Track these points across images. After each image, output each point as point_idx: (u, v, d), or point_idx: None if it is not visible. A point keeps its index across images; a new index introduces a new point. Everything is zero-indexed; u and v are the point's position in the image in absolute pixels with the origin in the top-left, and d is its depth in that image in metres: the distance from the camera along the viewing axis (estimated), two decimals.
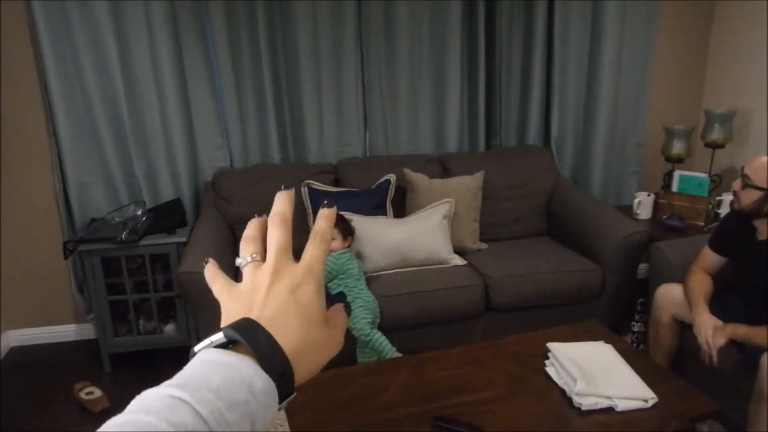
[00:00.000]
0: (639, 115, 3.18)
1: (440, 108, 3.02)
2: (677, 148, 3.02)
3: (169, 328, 2.69)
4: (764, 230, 1.92)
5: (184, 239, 2.55)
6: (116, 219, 2.65)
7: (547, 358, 1.78)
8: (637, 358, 1.78)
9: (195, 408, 0.34)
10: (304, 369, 0.41)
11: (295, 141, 2.94)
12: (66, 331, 2.97)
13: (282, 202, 0.48)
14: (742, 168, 1.96)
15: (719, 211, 2.79)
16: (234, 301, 0.44)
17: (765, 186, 1.85)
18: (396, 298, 2.37)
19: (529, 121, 3.11)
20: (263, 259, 0.45)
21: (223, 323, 0.41)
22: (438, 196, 2.69)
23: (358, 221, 2.56)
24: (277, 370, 0.39)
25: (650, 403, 1.56)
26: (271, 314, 0.41)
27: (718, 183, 3.04)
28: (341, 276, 2.32)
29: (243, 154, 2.90)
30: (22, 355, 2.86)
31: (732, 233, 2.03)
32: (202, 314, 2.25)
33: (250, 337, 0.39)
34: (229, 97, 2.80)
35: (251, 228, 0.48)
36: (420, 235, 2.56)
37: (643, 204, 2.92)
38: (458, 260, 2.62)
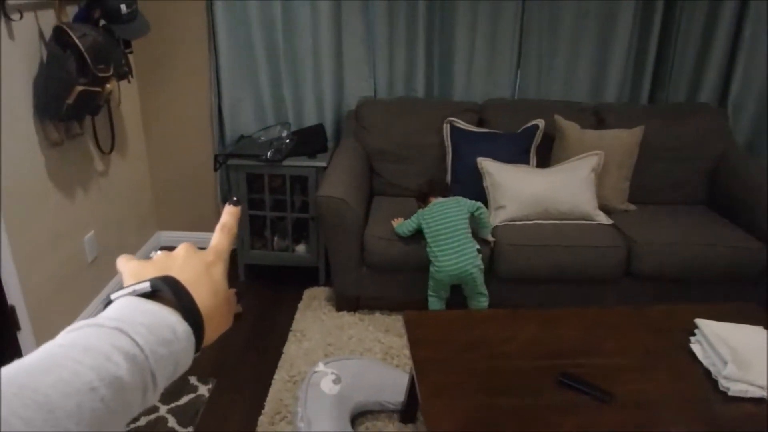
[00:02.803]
0: None
1: (604, 52, 2.85)
2: None
3: (301, 248, 2.90)
4: None
5: (324, 164, 2.70)
6: (263, 138, 2.86)
7: (693, 334, 1.71)
8: None
9: (132, 337, 0.39)
10: (207, 334, 0.46)
11: (442, 76, 2.95)
12: (208, 239, 3.27)
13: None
14: None
15: None
16: (148, 266, 0.49)
17: None
18: (531, 249, 2.37)
19: (706, 76, 2.84)
20: None
21: (128, 284, 0.46)
22: (588, 149, 2.58)
23: (498, 168, 2.54)
24: (193, 323, 0.44)
25: None
26: (188, 279, 0.46)
27: None
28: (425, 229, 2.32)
29: (387, 86, 2.96)
30: None
31: None
32: (334, 238, 2.40)
33: (174, 290, 0.44)
34: (381, 27, 2.84)
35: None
36: (565, 187, 2.50)
37: None
38: (604, 218, 2.54)
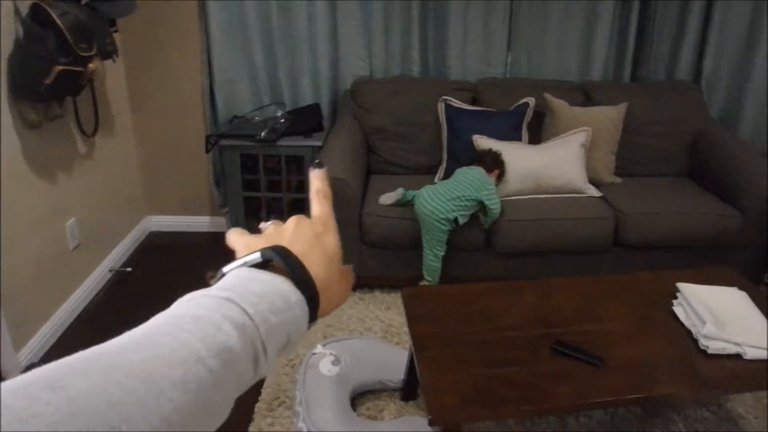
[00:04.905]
0: None
1: (589, 32, 3.04)
2: None
3: None
4: None
5: (319, 143, 2.79)
6: (257, 118, 2.93)
7: (676, 298, 1.84)
8: None
9: (242, 307, 0.39)
10: (322, 303, 0.46)
11: (436, 56, 3.08)
12: (200, 222, 3.33)
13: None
14: None
15: None
16: (258, 239, 0.49)
17: None
18: (527, 223, 2.53)
19: (682, 56, 3.08)
20: None
21: (240, 257, 0.46)
22: (577, 125, 2.76)
23: (492, 144, 2.70)
24: (307, 294, 0.44)
25: None
26: (299, 250, 0.46)
27: None
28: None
29: (383, 65, 3.06)
30: (160, 238, 3.25)
31: None
32: (336, 219, 2.50)
33: (286, 260, 0.44)
34: (376, 7, 2.93)
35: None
36: (557, 162, 2.68)
37: None
38: (593, 191, 2.74)
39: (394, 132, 2.90)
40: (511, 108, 2.87)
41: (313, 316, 0.45)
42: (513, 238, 2.53)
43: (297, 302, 0.43)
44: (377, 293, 2.71)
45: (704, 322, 1.68)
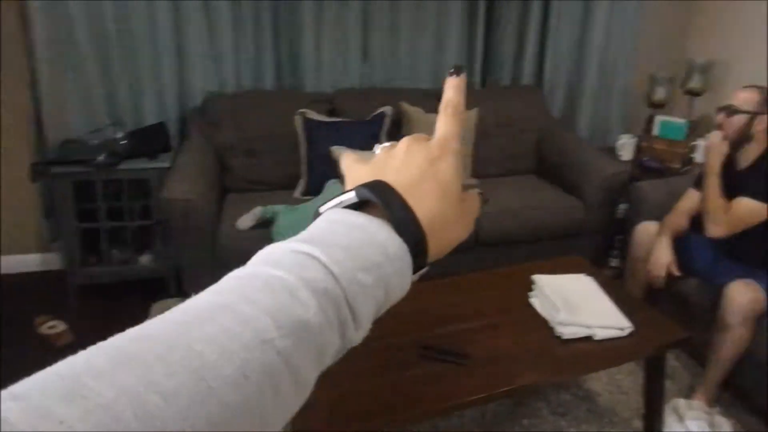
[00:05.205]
0: (627, 62, 3.42)
1: (440, 42, 3.16)
2: (659, 94, 3.32)
3: (145, 258, 2.72)
4: (745, 158, 2.16)
5: (167, 165, 2.58)
6: (93, 141, 2.65)
7: (532, 290, 1.92)
8: (616, 290, 1.94)
9: (326, 265, 0.33)
10: (433, 246, 0.39)
11: (291, 68, 3.00)
12: (29, 261, 2.95)
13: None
14: (720, 106, 2.18)
15: (694, 156, 3.02)
16: (364, 166, 0.42)
17: (750, 109, 2.09)
18: None
19: (525, 62, 3.30)
20: None
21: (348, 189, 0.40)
22: (433, 131, 2.78)
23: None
24: (411, 239, 0.37)
25: (626, 332, 1.73)
26: (407, 181, 0.39)
27: (695, 129, 3.26)
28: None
29: (235, 78, 2.92)
30: None
31: None
32: (185, 242, 2.33)
33: (384, 199, 0.37)
34: (224, 18, 2.79)
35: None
36: None
37: (626, 146, 3.23)
38: None
39: (249, 148, 2.77)
40: (369, 117, 2.87)
41: (421, 264, 0.38)
42: None
43: (397, 253, 0.36)
44: None
45: (558, 310, 1.76)
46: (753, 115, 2.09)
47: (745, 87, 2.17)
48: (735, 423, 2.05)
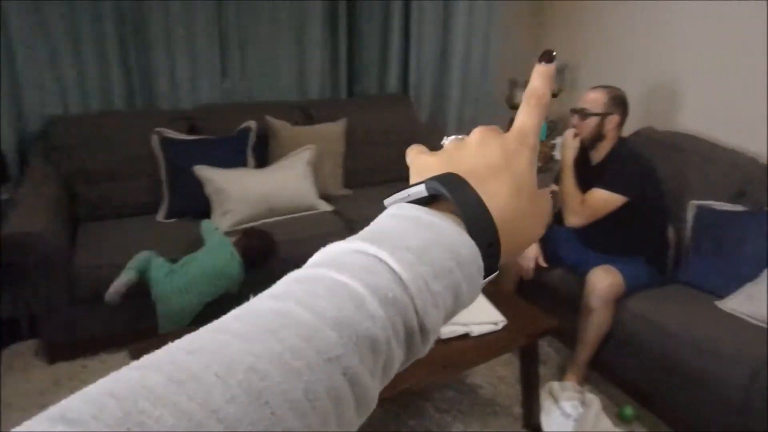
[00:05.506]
0: (488, 67, 3.58)
1: (301, 54, 3.13)
2: (519, 97, 3.43)
3: None
4: (598, 154, 2.34)
5: (7, 196, 2.38)
6: None
7: None
8: (488, 286, 2.05)
9: (395, 270, 0.29)
10: (504, 249, 0.35)
11: (143, 86, 2.84)
12: None
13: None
14: (574, 108, 2.35)
15: (554, 153, 3.26)
16: (432, 158, 0.39)
17: (600, 111, 2.26)
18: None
19: (389, 69, 3.36)
20: None
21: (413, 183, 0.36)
22: (301, 143, 2.80)
23: (217, 173, 2.56)
24: (484, 240, 0.34)
25: (500, 326, 1.83)
26: (479, 176, 0.36)
27: (554, 128, 3.53)
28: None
29: (80, 99, 2.72)
30: None
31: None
32: (34, 279, 2.14)
33: (458, 195, 0.34)
34: (59, 28, 2.57)
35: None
36: (286, 183, 2.68)
37: None
38: (325, 206, 2.80)
39: (102, 173, 2.58)
40: (233, 133, 2.79)
41: (491, 268, 0.34)
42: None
43: (468, 257, 0.32)
44: (103, 355, 2.36)
45: None
46: (603, 115, 2.28)
47: (594, 87, 2.35)
48: (603, 398, 2.21)
